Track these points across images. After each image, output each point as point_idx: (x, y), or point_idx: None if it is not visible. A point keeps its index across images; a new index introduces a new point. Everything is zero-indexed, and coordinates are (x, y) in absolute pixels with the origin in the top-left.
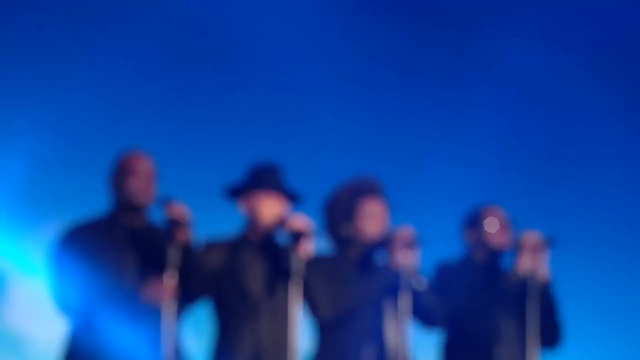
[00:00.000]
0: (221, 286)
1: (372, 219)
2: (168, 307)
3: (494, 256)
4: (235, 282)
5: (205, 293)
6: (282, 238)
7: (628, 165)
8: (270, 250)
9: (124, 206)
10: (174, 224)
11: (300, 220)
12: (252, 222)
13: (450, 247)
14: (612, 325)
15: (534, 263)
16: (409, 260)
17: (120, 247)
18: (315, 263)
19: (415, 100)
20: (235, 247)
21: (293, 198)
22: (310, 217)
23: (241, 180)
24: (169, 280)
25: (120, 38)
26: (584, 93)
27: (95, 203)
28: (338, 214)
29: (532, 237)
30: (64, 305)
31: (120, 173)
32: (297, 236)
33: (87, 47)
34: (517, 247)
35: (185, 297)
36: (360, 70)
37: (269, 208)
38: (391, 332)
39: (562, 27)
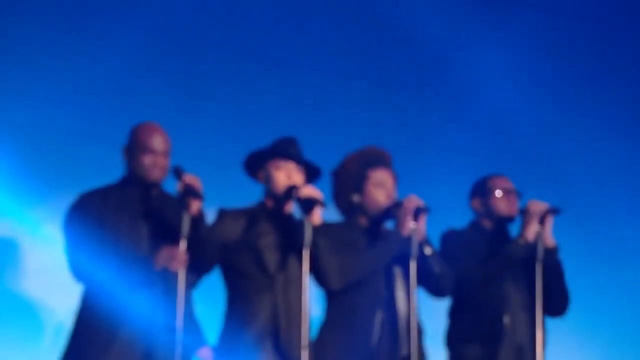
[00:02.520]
0: (237, 255)
1: (381, 188)
2: (181, 274)
3: (501, 224)
4: (251, 252)
5: (218, 262)
6: (295, 207)
7: (630, 138)
8: (285, 218)
9: (138, 180)
10: (186, 194)
11: (311, 189)
12: (269, 191)
13: (457, 215)
14: (613, 294)
15: (540, 231)
16: (417, 228)
17: (134, 216)
18: (325, 232)
19: (421, 74)
20: (253, 217)
21: (310, 168)
22: (318, 187)
23: (260, 150)
24: (182, 249)
25: (137, 11)
26: (589, 65)
27: (110, 172)
28: (347, 183)
29: (538, 205)
30: (79, 273)
31: (135, 148)
32: (309, 204)
33: (103, 19)
34: (523, 216)
35: (198, 266)
36: (366, 47)
37: (287, 177)
38: (400, 299)
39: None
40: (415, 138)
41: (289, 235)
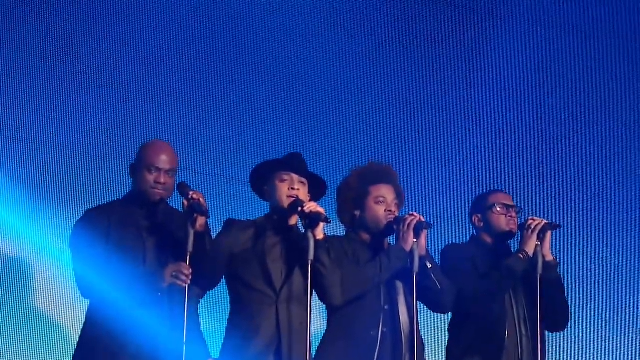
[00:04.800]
0: (244, 267)
1: (381, 204)
2: (187, 289)
3: (500, 240)
4: (259, 265)
5: (222, 276)
6: (300, 221)
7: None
8: (290, 233)
9: (145, 197)
10: (192, 210)
11: (314, 205)
12: (274, 204)
13: (458, 231)
14: (610, 309)
15: (539, 246)
16: (418, 243)
17: (139, 231)
18: (327, 247)
19: (422, 91)
20: (260, 228)
21: (314, 181)
22: (324, 202)
23: (265, 162)
24: (187, 264)
25: (140, 26)
26: (584, 74)
27: (116, 189)
28: (349, 199)
29: (537, 221)
30: (85, 288)
31: (142, 165)
32: (313, 219)
33: (106, 36)
34: (523, 231)
35: (203, 281)
36: (368, 63)
37: (291, 189)
38: (402, 313)
39: (562, 9)
40: (417, 154)
41: (294, 248)
